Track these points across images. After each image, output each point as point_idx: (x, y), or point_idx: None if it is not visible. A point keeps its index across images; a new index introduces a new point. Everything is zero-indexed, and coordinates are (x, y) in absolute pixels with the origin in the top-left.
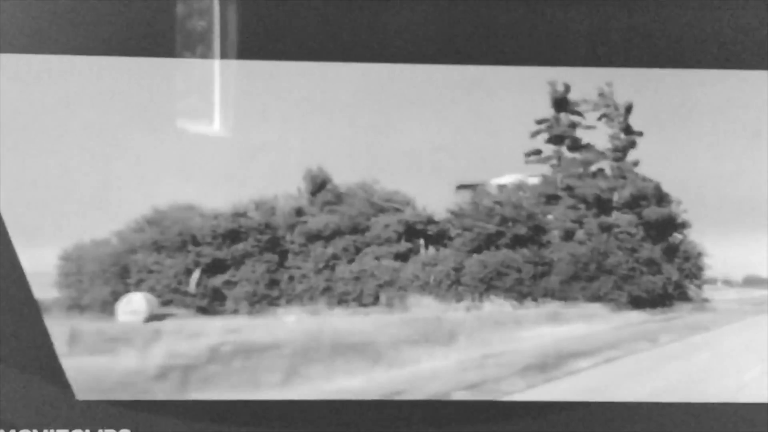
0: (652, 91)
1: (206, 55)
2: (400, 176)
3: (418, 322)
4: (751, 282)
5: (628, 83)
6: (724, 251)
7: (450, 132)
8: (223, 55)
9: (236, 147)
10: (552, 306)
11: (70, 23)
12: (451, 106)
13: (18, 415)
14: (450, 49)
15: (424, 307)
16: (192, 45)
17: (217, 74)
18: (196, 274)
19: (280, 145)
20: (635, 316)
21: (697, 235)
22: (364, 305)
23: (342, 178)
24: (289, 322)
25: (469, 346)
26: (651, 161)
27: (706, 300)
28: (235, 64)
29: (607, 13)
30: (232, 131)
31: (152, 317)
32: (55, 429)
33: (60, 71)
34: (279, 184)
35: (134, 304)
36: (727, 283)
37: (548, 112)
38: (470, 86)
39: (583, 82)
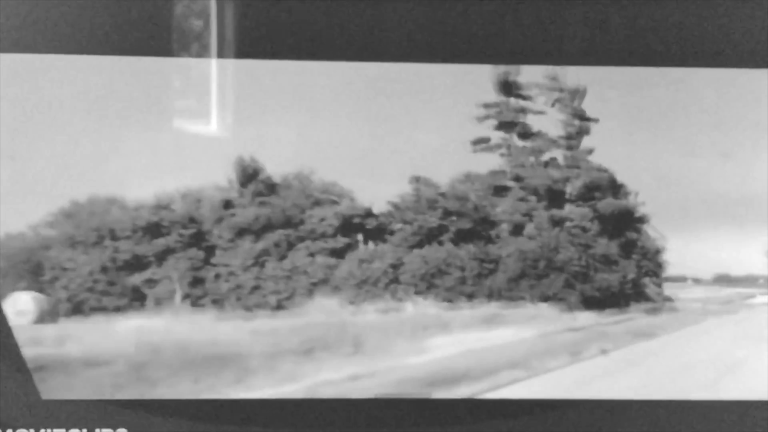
0: (650, 91)
1: (203, 54)
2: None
3: (316, 329)
4: (720, 280)
5: (627, 82)
6: (695, 249)
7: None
8: (221, 55)
9: (233, 146)
10: (491, 307)
11: (69, 23)
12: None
13: (15, 415)
14: (448, 48)
15: (329, 311)
16: (190, 44)
17: (215, 73)
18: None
19: (278, 144)
20: (585, 317)
21: (674, 233)
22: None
23: (336, 175)
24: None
25: (374, 356)
26: (647, 160)
27: (668, 299)
28: (233, 64)
29: (606, 12)
30: (228, 130)
31: (44, 318)
32: (52, 429)
33: (59, 71)
34: None
35: (20, 305)
36: (697, 281)
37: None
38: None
39: (582, 81)
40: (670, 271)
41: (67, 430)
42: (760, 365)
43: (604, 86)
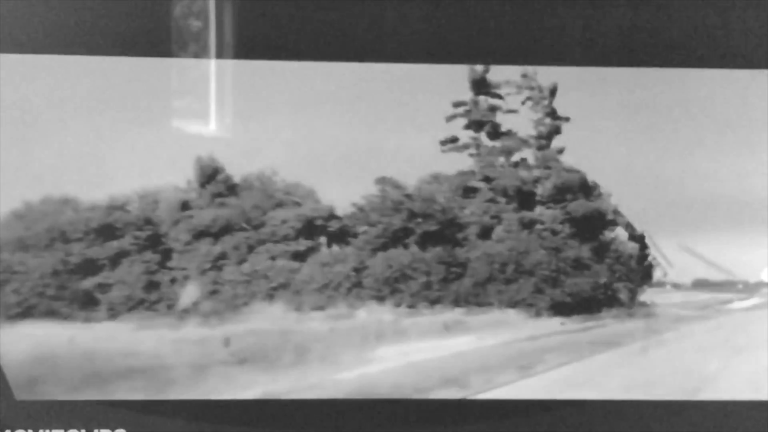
0: (649, 91)
1: (202, 54)
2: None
3: (254, 338)
4: (699, 285)
5: (625, 83)
6: (677, 253)
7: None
8: (219, 55)
9: (232, 146)
10: (454, 313)
11: (68, 23)
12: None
13: (14, 415)
14: (446, 48)
15: (273, 318)
16: (188, 45)
17: (213, 74)
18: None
19: (276, 144)
20: (554, 324)
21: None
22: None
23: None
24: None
25: (314, 368)
26: (643, 162)
27: (643, 304)
28: (231, 64)
29: (605, 12)
30: (227, 130)
31: None
32: (50, 429)
33: (59, 71)
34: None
35: None
36: (677, 286)
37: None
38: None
39: (581, 82)
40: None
41: (65, 430)
42: (732, 374)
43: (603, 87)
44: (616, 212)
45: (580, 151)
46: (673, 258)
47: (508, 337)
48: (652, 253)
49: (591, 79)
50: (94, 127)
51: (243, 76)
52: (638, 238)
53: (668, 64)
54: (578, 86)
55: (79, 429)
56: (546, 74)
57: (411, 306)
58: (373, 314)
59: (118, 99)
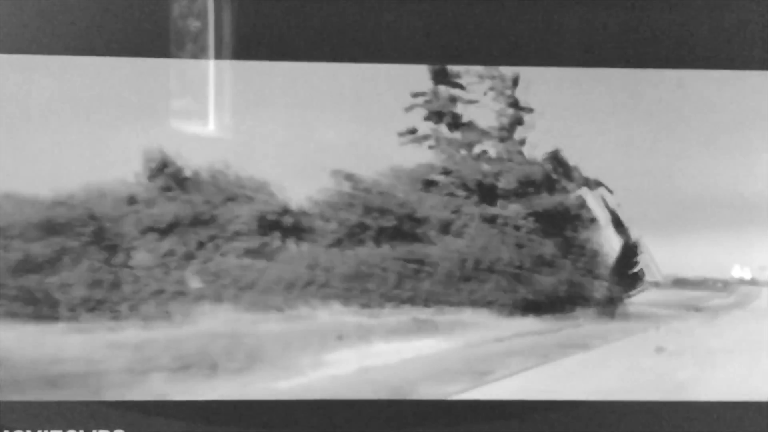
0: (647, 92)
1: (201, 55)
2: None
3: (201, 341)
4: (679, 284)
5: (624, 84)
6: (661, 252)
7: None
8: (218, 56)
9: (230, 146)
10: (421, 313)
11: (67, 24)
12: None
13: (12, 416)
14: (444, 49)
15: (223, 320)
16: (187, 45)
17: (212, 74)
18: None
19: (274, 144)
20: (525, 323)
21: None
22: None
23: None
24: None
25: (268, 374)
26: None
27: (618, 304)
28: (229, 65)
29: (604, 13)
30: (226, 131)
31: None
32: (49, 430)
33: (58, 71)
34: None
35: None
36: (656, 284)
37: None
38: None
39: (580, 83)
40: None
41: (64, 431)
42: (708, 375)
43: (601, 88)
44: (614, 216)
45: (581, 151)
46: (655, 256)
47: (468, 339)
48: (644, 261)
49: (589, 81)
50: (93, 128)
51: (242, 76)
52: (631, 246)
53: (667, 65)
54: (578, 87)
55: (77, 429)
56: (547, 75)
57: (366, 306)
58: (332, 315)
59: (117, 99)
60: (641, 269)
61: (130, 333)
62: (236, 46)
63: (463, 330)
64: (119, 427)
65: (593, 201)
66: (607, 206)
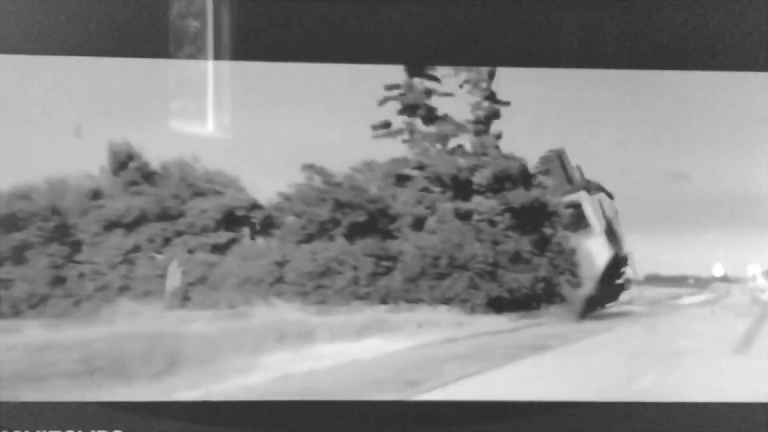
0: (647, 93)
1: (200, 56)
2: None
3: (118, 342)
4: (651, 280)
5: (623, 85)
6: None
7: None
8: (217, 56)
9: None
10: (378, 311)
11: (67, 25)
12: None
13: (11, 417)
14: (443, 50)
15: (148, 318)
16: (186, 46)
17: (211, 75)
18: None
19: (273, 144)
20: (489, 322)
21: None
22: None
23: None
24: None
25: (189, 378)
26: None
27: (595, 309)
28: (228, 65)
29: (604, 14)
30: (225, 130)
31: None
32: (48, 430)
33: (58, 72)
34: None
35: None
36: (628, 281)
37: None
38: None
39: (579, 84)
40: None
41: (63, 431)
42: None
43: (601, 89)
44: (609, 225)
45: (582, 153)
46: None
47: (420, 340)
48: (629, 274)
49: (589, 82)
50: (92, 128)
51: (240, 77)
52: (621, 258)
53: (667, 67)
54: (577, 88)
55: (76, 430)
56: (550, 76)
57: (322, 303)
58: (279, 314)
59: (116, 100)
60: (626, 281)
61: (31, 333)
62: (216, 45)
63: (417, 330)
64: (118, 428)
65: (589, 206)
66: (603, 213)
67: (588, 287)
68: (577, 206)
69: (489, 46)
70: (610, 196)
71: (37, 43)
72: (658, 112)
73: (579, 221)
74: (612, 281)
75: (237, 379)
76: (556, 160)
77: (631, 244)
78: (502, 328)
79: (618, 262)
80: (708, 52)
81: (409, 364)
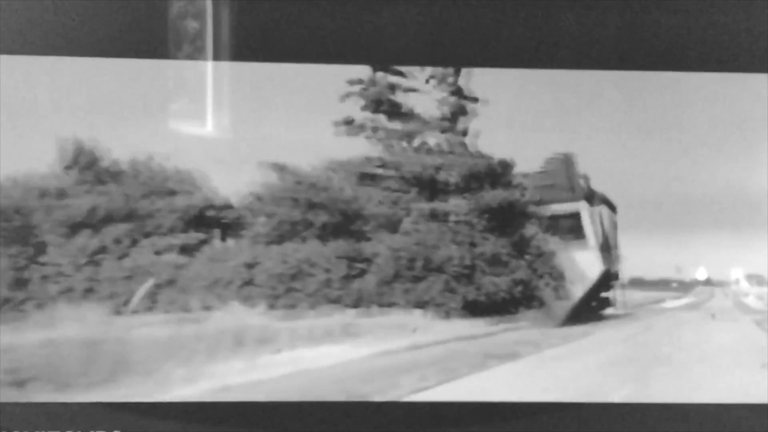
0: (646, 94)
1: (199, 56)
2: None
3: (51, 348)
4: (635, 284)
5: (622, 86)
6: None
7: None
8: (216, 57)
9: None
10: (347, 315)
11: (67, 25)
12: None
13: (11, 417)
14: (441, 51)
15: (93, 322)
16: (186, 47)
17: (210, 75)
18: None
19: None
20: (464, 326)
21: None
22: None
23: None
24: None
25: (130, 386)
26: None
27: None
28: (227, 66)
29: (604, 15)
30: (224, 131)
31: None
32: (48, 430)
33: (57, 72)
34: None
35: None
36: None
37: None
38: None
39: (579, 85)
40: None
41: (63, 431)
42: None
43: (601, 90)
44: (605, 239)
45: (585, 156)
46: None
47: (386, 346)
48: (614, 292)
49: (589, 82)
50: (91, 128)
51: (240, 77)
52: (612, 275)
53: (667, 68)
54: (577, 89)
55: (75, 430)
56: (553, 77)
57: (291, 307)
58: (237, 319)
59: (116, 100)
60: (613, 296)
61: None
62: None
63: (385, 335)
64: (117, 428)
65: (588, 217)
66: (602, 227)
67: (573, 299)
68: (575, 216)
69: (488, 48)
70: (613, 209)
71: (37, 43)
72: (656, 112)
73: (574, 231)
74: (598, 295)
75: (177, 390)
76: (561, 165)
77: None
78: (476, 333)
79: (608, 278)
80: (708, 52)
81: (364, 373)
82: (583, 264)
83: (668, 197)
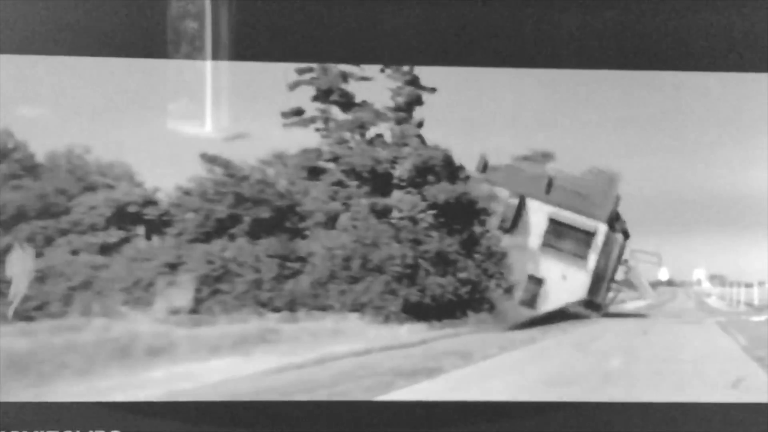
0: (646, 94)
1: (198, 56)
2: None
3: None
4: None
5: (622, 86)
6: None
7: None
8: (215, 57)
9: (227, 145)
10: (268, 320)
11: (67, 25)
12: None
13: (11, 417)
14: (442, 51)
15: None
16: (185, 46)
17: (209, 75)
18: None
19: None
20: (401, 332)
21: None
22: None
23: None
24: None
25: None
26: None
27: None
28: (226, 65)
29: (604, 15)
30: (223, 130)
31: None
32: (46, 430)
33: (57, 72)
34: None
35: None
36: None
37: None
38: None
39: (580, 85)
40: None
41: (62, 431)
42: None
43: (601, 89)
44: (605, 272)
45: (584, 155)
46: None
47: (303, 357)
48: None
49: (589, 82)
50: (92, 128)
51: (238, 77)
52: (593, 305)
53: (667, 68)
54: (577, 89)
55: (75, 430)
56: (546, 77)
57: (212, 311)
58: (128, 325)
59: (115, 100)
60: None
61: None
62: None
63: (312, 343)
64: (116, 428)
65: (601, 240)
66: (609, 255)
67: (539, 311)
68: (589, 234)
69: (488, 48)
70: (626, 236)
71: (37, 43)
72: (656, 112)
73: (579, 248)
74: (565, 312)
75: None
76: (604, 181)
77: None
78: (410, 341)
79: (588, 305)
80: (708, 52)
81: (249, 393)
82: (571, 283)
83: (633, 199)
